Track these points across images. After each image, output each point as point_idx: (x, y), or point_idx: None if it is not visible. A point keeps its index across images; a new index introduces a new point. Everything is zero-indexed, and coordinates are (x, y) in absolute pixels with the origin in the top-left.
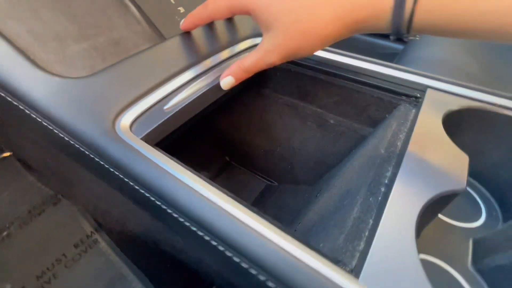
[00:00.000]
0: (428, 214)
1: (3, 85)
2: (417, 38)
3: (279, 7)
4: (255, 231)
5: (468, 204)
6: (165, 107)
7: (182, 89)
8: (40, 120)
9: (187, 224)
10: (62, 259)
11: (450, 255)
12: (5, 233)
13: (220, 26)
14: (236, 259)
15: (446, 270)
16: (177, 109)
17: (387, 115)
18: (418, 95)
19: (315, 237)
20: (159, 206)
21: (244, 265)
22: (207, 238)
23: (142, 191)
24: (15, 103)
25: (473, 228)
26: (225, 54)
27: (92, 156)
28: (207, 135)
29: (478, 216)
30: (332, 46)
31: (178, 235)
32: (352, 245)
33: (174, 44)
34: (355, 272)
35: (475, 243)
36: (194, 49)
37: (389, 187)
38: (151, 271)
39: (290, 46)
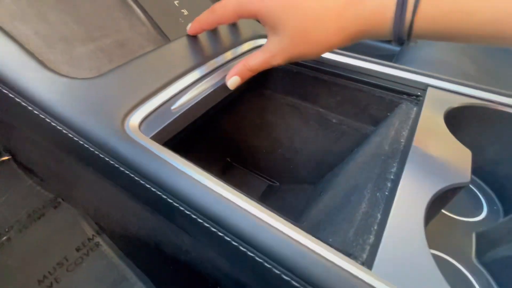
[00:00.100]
0: (434, 208)
1: (12, 86)
2: (417, 44)
3: (287, 16)
4: (269, 225)
5: (469, 199)
6: (173, 107)
7: (188, 90)
8: (48, 120)
9: (200, 220)
10: (63, 262)
11: (454, 249)
12: (4, 237)
13: (223, 28)
14: (250, 254)
15: (452, 263)
16: (184, 109)
17: (388, 114)
18: (419, 93)
19: (323, 233)
20: (171, 204)
21: (258, 259)
22: (220, 234)
23: (154, 190)
24: (24, 104)
25: (476, 222)
26: (228, 55)
27: (102, 155)
28: (209, 136)
29: (480, 210)
30: None
31: (187, 233)
32: (362, 239)
33: (179, 46)
34: (367, 264)
35: (478, 237)
36: (199, 51)
37: (395, 182)
38: (154, 273)
39: (295, 52)
